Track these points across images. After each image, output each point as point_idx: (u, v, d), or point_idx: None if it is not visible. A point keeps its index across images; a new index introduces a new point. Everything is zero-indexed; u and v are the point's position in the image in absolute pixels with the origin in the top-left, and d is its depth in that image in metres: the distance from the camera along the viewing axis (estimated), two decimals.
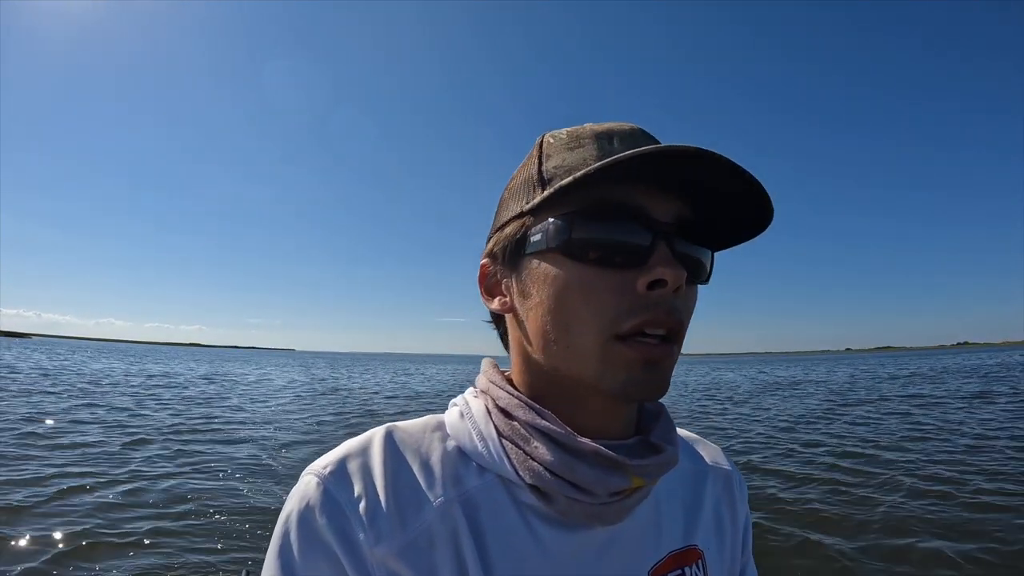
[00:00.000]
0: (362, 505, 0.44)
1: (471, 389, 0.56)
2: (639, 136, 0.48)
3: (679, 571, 0.52)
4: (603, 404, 0.49)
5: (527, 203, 0.48)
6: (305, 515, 0.44)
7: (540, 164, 0.49)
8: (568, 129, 0.50)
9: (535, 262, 0.47)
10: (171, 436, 7.88)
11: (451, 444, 0.50)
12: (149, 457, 6.43)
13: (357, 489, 0.45)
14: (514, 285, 0.50)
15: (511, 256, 0.50)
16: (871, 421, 10.13)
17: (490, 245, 0.53)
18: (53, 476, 5.23)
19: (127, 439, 7.41)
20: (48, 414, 9.19)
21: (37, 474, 5.28)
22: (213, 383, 19.42)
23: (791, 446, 7.70)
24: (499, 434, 0.49)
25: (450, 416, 0.53)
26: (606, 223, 0.44)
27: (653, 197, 0.45)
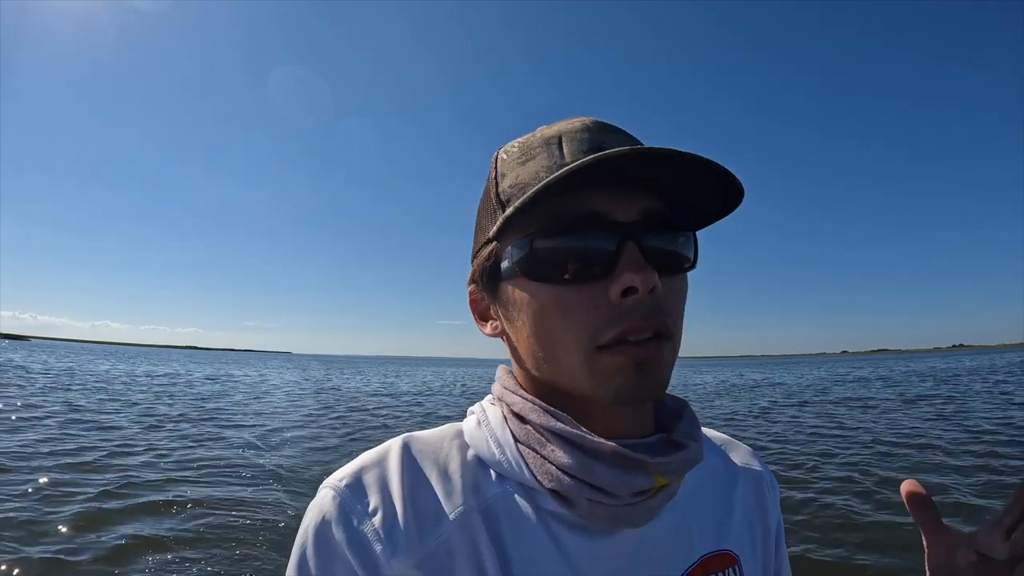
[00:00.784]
0: (379, 518, 0.44)
1: (488, 397, 0.55)
2: (593, 132, 0.46)
3: (716, 575, 0.50)
4: (611, 408, 0.47)
5: (492, 227, 0.47)
6: (322, 529, 0.44)
7: (497, 185, 0.48)
8: (520, 140, 0.49)
9: (510, 287, 0.47)
10: (201, 423, 9.45)
11: (469, 453, 0.49)
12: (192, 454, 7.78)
13: (374, 502, 0.44)
14: (499, 310, 0.50)
15: (489, 283, 0.49)
16: (789, 420, 11.28)
17: (472, 271, 0.52)
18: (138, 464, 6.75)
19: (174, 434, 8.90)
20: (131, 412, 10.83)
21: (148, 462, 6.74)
22: (222, 382, 21.03)
23: None
24: (516, 440, 0.48)
25: (468, 424, 0.52)
26: (567, 236, 0.43)
27: (614, 197, 0.43)
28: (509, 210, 0.43)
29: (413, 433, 0.51)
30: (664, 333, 0.43)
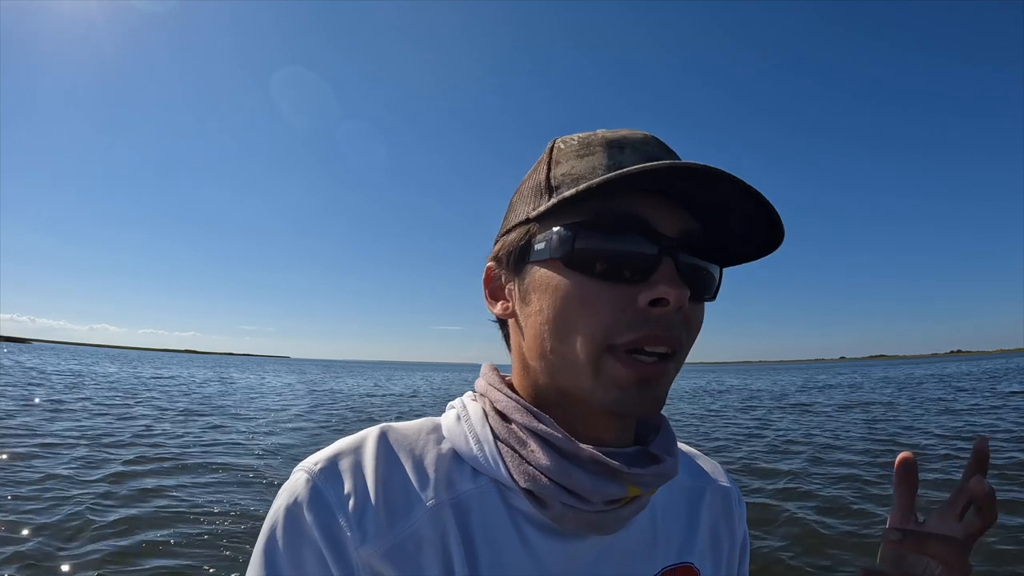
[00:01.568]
0: (351, 504, 0.44)
1: (469, 392, 0.55)
2: (652, 146, 0.47)
3: None
4: (599, 415, 0.48)
5: (533, 209, 0.48)
6: (292, 511, 0.44)
7: (549, 170, 0.48)
8: (580, 135, 0.50)
9: (538, 270, 0.47)
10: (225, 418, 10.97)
11: (446, 446, 0.49)
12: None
13: (347, 487, 0.44)
14: (516, 291, 0.50)
15: (515, 262, 0.49)
16: (731, 422, 11.93)
17: (496, 248, 0.52)
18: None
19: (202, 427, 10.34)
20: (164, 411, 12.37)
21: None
22: (225, 383, 22.52)
23: None
24: (495, 437, 0.48)
25: (446, 419, 0.52)
26: (610, 235, 0.44)
27: (660, 211, 0.44)
28: (567, 192, 0.44)
29: (391, 424, 0.51)
30: (673, 355, 0.44)
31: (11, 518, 4.14)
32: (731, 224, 0.46)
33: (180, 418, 10.56)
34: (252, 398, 16.36)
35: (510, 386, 0.53)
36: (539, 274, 0.47)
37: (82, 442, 7.28)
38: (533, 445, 0.46)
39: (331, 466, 0.46)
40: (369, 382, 32.20)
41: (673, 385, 0.47)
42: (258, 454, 7.34)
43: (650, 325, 0.43)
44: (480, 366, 0.56)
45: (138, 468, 6.03)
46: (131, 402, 12.96)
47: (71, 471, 5.67)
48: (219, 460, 6.71)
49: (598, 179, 0.41)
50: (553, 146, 0.51)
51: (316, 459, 0.47)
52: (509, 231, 0.51)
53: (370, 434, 0.49)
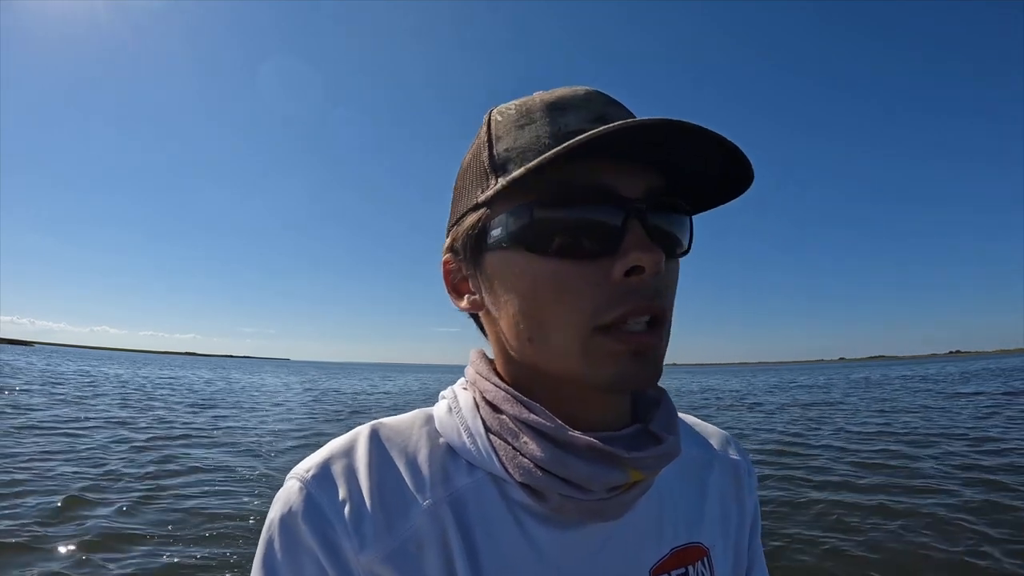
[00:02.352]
0: (346, 510, 0.42)
1: (461, 380, 0.53)
2: (598, 103, 0.44)
3: (682, 570, 0.49)
4: (593, 395, 0.45)
5: (482, 192, 0.44)
6: (287, 521, 0.43)
7: (491, 147, 0.45)
8: (516, 102, 0.46)
9: (498, 257, 0.44)
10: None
11: (439, 441, 0.48)
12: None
13: (341, 493, 0.43)
14: (481, 282, 0.47)
15: (472, 252, 0.46)
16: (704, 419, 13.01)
17: (449, 239, 0.49)
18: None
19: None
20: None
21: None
22: (230, 382, 23.65)
23: None
24: (487, 429, 0.46)
25: (439, 410, 0.51)
26: (570, 208, 0.40)
27: (619, 172, 0.41)
28: (515, 172, 0.40)
29: (382, 420, 0.50)
30: (661, 321, 0.42)
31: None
32: (695, 170, 0.44)
33: (204, 414, 11.69)
34: (254, 396, 17.88)
35: (498, 373, 0.50)
36: (501, 261, 0.44)
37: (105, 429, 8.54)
38: (526, 437, 0.44)
39: (323, 472, 0.45)
40: (364, 383, 33.66)
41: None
42: (262, 454, 7.65)
43: (631, 297, 0.40)
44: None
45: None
46: (158, 403, 13.98)
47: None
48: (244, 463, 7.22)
49: (547, 155, 0.38)
50: (490, 118, 0.47)
51: (308, 465, 0.45)
52: (460, 218, 0.47)
53: (361, 433, 0.48)
